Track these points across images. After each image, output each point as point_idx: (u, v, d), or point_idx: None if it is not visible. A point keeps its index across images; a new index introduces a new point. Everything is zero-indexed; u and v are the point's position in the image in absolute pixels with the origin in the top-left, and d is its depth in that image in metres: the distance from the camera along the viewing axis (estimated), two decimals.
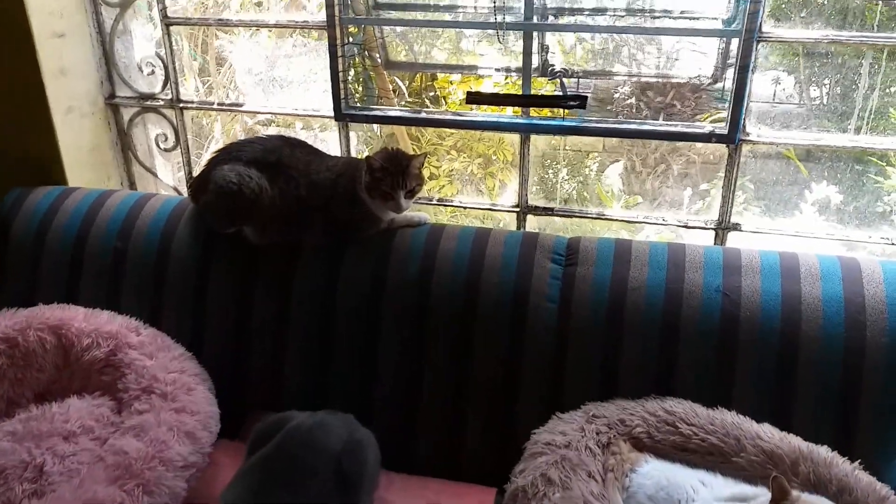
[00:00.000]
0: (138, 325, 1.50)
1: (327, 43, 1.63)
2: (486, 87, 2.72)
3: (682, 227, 1.61)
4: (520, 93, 1.52)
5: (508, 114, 1.65)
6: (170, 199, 1.65)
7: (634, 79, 1.73)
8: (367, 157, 1.40)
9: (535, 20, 1.54)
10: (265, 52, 2.13)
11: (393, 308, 1.44)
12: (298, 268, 1.50)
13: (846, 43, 1.44)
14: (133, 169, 2.00)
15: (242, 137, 1.82)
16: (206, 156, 1.55)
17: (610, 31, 1.78)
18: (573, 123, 1.51)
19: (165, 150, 1.96)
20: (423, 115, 1.67)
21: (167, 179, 2.03)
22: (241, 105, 1.90)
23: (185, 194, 1.93)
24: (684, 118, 1.67)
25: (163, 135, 1.95)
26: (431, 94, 2.73)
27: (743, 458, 1.14)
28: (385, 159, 1.41)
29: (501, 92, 1.68)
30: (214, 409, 1.38)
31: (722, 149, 1.52)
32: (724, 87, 1.70)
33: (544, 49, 1.72)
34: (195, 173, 1.72)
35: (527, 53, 1.54)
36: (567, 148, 2.36)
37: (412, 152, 1.48)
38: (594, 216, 1.67)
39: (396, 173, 1.40)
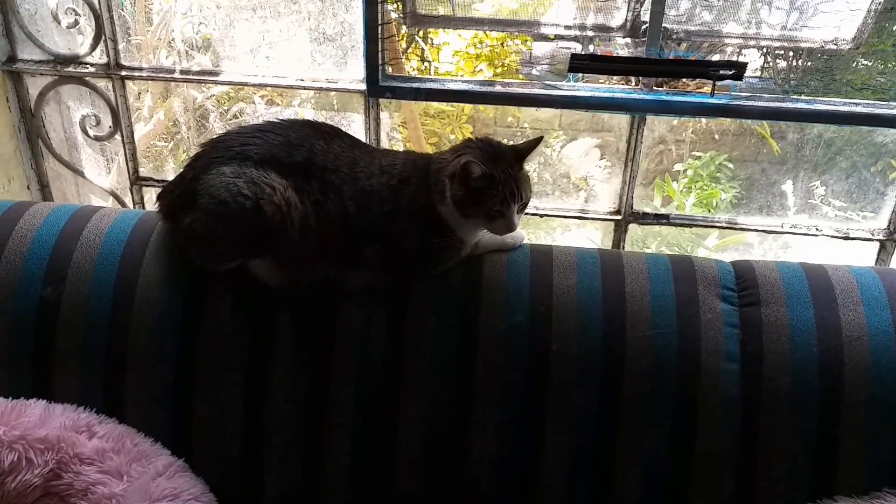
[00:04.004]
0: (90, 421, 1.00)
1: None
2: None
3: (842, 237, 1.26)
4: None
5: (617, 87, 1.25)
6: (125, 216, 1.14)
7: (752, 42, 1.36)
8: (465, 162, 0.95)
9: None
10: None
11: (492, 377, 1.01)
12: (340, 322, 1.04)
13: None
14: (46, 165, 1.45)
15: (247, 123, 1.32)
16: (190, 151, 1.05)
17: None
18: (723, 102, 1.12)
19: (97, 138, 1.42)
20: (499, 88, 1.23)
21: (99, 181, 1.49)
22: (216, 73, 1.38)
23: (137, 206, 1.41)
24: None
25: (92, 117, 1.41)
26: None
27: None
28: (486, 160, 0.98)
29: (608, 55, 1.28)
30: None
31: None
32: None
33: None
34: (148, 171, 1.21)
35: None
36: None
37: (507, 142, 1.05)
38: (722, 225, 1.30)
39: (506, 180, 0.97)
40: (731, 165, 2.17)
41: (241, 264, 1.05)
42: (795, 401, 0.98)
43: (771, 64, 1.79)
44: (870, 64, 1.56)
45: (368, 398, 1.03)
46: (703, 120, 2.09)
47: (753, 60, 1.66)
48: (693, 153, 2.20)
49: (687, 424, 0.99)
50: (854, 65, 1.52)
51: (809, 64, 1.45)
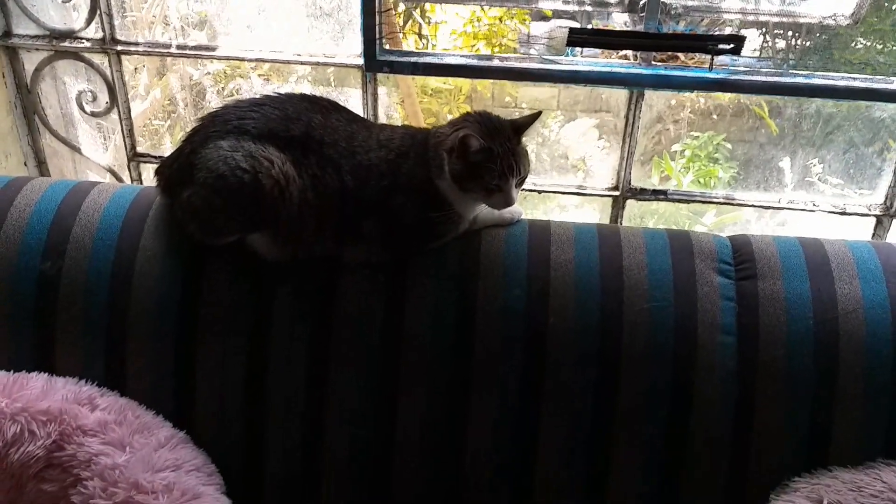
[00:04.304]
0: (92, 394, 1.01)
1: None
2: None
3: (839, 213, 1.27)
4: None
5: (615, 62, 1.24)
6: (123, 191, 1.14)
7: (751, 17, 1.36)
8: (463, 135, 0.96)
9: None
10: None
11: (489, 360, 1.02)
12: (338, 297, 1.05)
13: None
14: (43, 142, 1.45)
15: (242, 97, 1.31)
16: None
17: None
18: (721, 76, 1.12)
19: (93, 114, 1.42)
20: (497, 63, 1.22)
21: (97, 158, 1.49)
22: (212, 48, 1.38)
23: (134, 183, 1.41)
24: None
25: (89, 92, 1.40)
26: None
27: None
28: (485, 134, 0.98)
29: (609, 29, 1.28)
30: None
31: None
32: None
33: None
34: (145, 148, 1.21)
35: None
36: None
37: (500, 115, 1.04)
38: (719, 200, 1.31)
39: (505, 154, 0.97)
40: (728, 145, 2.17)
41: (240, 239, 1.05)
42: (790, 373, 0.99)
43: (770, 44, 1.78)
44: (868, 43, 1.56)
45: (367, 379, 1.03)
46: (701, 100, 2.09)
47: (752, 41, 1.66)
48: (691, 133, 2.20)
49: (684, 398, 1.00)
50: (853, 44, 1.52)
51: (808, 43, 1.45)
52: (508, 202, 1.00)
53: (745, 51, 1.23)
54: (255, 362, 1.04)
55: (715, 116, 2.19)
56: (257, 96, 1.06)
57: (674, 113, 2.20)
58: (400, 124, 1.20)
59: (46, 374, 1.02)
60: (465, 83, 2.38)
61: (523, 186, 1.04)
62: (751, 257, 1.06)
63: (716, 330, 1.01)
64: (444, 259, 1.06)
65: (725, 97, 1.96)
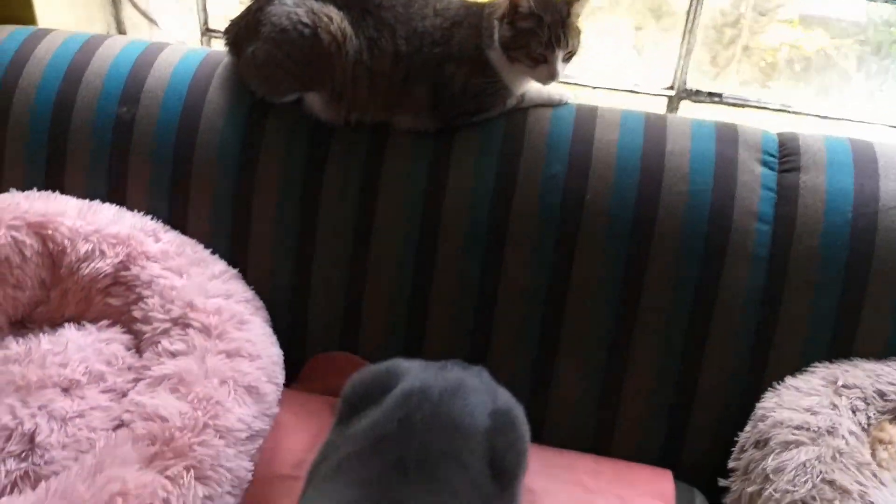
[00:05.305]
0: (156, 228, 1.11)
1: None
2: None
3: None
4: None
5: None
6: (193, 51, 1.22)
7: None
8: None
9: None
10: None
11: (523, 223, 1.06)
12: (387, 159, 1.10)
13: None
14: (123, 14, 1.54)
15: None
16: None
17: None
18: None
19: None
20: None
21: (172, 32, 1.57)
22: None
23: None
24: None
25: None
26: None
27: None
28: (538, 1, 1.00)
29: None
30: (277, 351, 1.03)
31: None
32: None
33: None
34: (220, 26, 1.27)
35: None
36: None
37: None
38: (775, 108, 1.29)
39: (554, 24, 1.00)
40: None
41: (298, 99, 1.12)
42: (823, 264, 1.01)
43: None
44: None
45: (408, 234, 1.10)
46: None
47: None
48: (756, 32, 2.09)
49: (711, 282, 1.03)
50: None
51: None
52: (553, 75, 1.02)
53: None
54: (306, 214, 1.12)
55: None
56: None
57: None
58: None
59: (119, 206, 1.12)
60: None
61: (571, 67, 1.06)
62: (796, 151, 1.06)
63: (752, 217, 1.03)
64: (488, 132, 1.10)
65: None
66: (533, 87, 1.11)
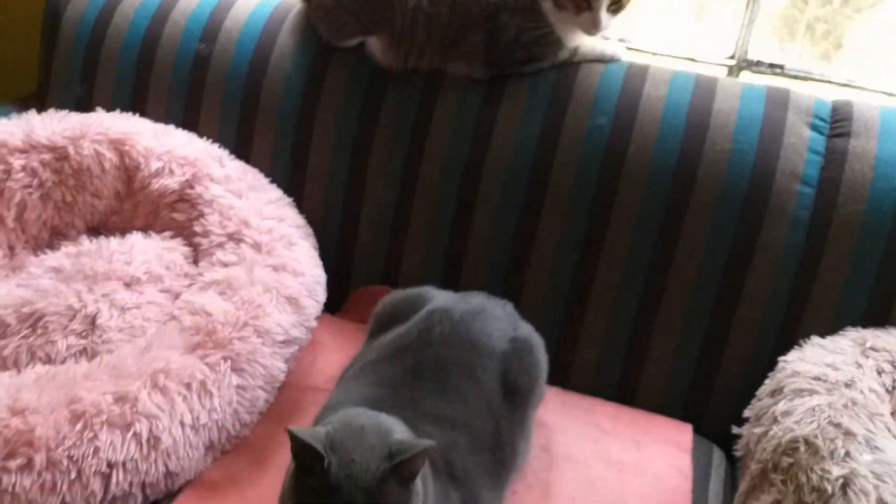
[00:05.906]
0: (222, 155, 1.20)
1: None
2: None
3: None
4: None
5: None
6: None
7: None
8: None
9: None
10: None
11: (565, 173, 1.09)
12: (439, 105, 1.15)
13: None
14: None
15: None
16: None
17: None
18: None
19: None
20: None
21: None
22: None
23: None
24: None
25: None
26: None
27: None
28: None
29: None
30: (321, 273, 1.10)
31: None
32: None
33: None
34: None
35: None
36: None
37: None
38: (839, 82, 1.27)
39: None
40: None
41: (360, 44, 1.19)
42: (865, 231, 0.99)
43: None
44: None
45: (453, 179, 1.15)
46: None
47: None
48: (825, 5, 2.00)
49: (749, 241, 1.03)
50: None
51: None
52: (596, 25, 1.05)
53: None
54: (359, 154, 1.18)
55: None
56: None
57: None
58: None
59: (190, 132, 1.22)
60: None
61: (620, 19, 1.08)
62: (849, 117, 1.05)
63: (795, 179, 1.02)
64: (538, 82, 1.13)
65: None
66: (587, 42, 1.13)
